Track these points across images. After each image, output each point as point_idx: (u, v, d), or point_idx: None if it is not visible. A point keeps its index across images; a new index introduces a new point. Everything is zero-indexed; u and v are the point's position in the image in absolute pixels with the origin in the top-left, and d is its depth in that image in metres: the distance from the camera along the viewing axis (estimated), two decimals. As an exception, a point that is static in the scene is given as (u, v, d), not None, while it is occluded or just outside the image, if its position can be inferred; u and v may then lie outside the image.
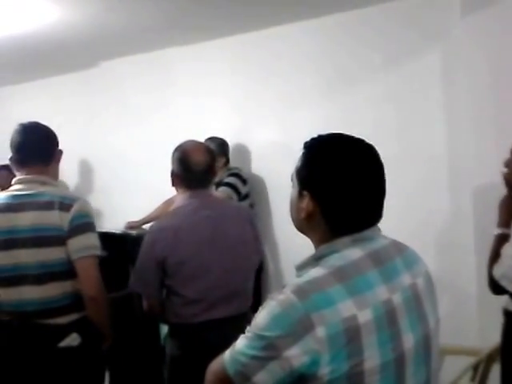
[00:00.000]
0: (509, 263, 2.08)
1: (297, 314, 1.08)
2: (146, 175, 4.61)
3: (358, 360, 1.09)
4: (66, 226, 2.16)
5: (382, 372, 1.12)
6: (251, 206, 3.93)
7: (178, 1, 3.22)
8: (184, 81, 4.43)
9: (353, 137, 1.25)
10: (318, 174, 1.20)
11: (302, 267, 1.22)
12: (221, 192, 3.73)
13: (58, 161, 2.37)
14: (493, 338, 2.35)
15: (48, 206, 2.18)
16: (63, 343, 2.19)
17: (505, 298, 2.17)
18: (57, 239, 2.17)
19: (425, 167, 3.33)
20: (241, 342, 1.15)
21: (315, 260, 1.21)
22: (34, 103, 5.22)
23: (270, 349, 1.09)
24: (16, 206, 2.21)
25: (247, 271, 2.41)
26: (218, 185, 3.79)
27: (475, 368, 2.57)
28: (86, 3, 3.17)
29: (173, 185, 2.38)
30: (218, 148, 3.80)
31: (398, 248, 1.28)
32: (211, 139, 3.85)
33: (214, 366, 1.22)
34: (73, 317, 2.22)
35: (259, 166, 4.13)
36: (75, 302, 2.22)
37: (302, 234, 1.29)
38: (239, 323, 1.47)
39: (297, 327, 1.07)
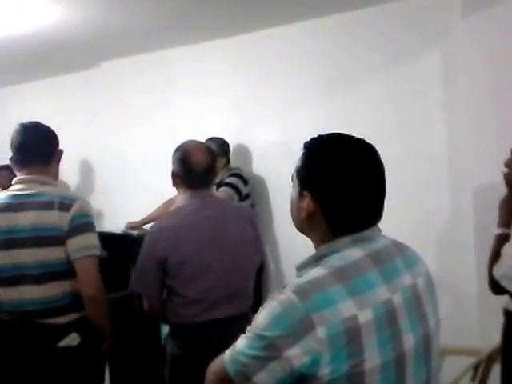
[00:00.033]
0: (509, 263, 2.07)
1: (297, 314, 1.08)
2: (146, 175, 4.61)
3: (359, 360, 1.09)
4: (66, 226, 2.16)
5: (383, 372, 1.12)
6: (252, 206, 3.94)
7: (179, 1, 3.22)
8: (184, 81, 4.43)
9: (353, 137, 1.25)
10: (319, 173, 1.20)
11: (302, 267, 1.22)
12: (222, 192, 3.73)
13: (59, 161, 2.37)
14: (493, 338, 2.35)
15: (48, 205, 2.18)
16: (63, 343, 2.19)
17: (505, 298, 2.17)
18: (56, 239, 2.17)
19: (425, 167, 3.33)
20: (241, 342, 1.15)
21: (316, 260, 1.21)
22: (35, 103, 5.23)
23: (270, 349, 1.09)
24: (16, 205, 2.21)
25: (248, 271, 2.41)
26: (219, 185, 3.79)
27: (475, 368, 2.57)
28: (87, 3, 3.17)
29: (173, 185, 2.38)
30: (218, 148, 3.80)
31: (399, 248, 1.28)
32: (212, 139, 3.85)
33: (215, 365, 1.22)
34: (72, 316, 2.22)
35: (260, 166, 4.13)
36: (75, 301, 2.22)
37: (302, 235, 1.29)
38: (240, 323, 1.47)
39: (297, 327, 1.07)
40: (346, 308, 1.10)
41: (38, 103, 5.22)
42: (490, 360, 2.55)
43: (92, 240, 2.22)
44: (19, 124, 2.31)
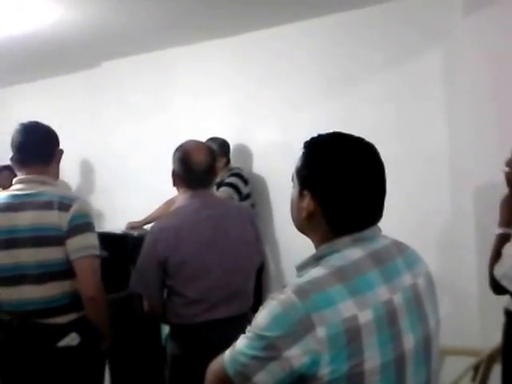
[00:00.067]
0: (510, 263, 2.07)
1: (297, 314, 1.08)
2: (146, 175, 4.61)
3: (359, 360, 1.09)
4: (65, 226, 2.16)
5: (382, 372, 1.11)
6: (252, 206, 3.93)
7: (179, 1, 3.22)
8: (184, 81, 4.43)
9: (352, 136, 1.25)
10: (318, 173, 1.20)
11: (302, 267, 1.22)
12: (222, 192, 3.73)
13: (59, 160, 2.37)
14: (494, 338, 2.35)
15: (47, 205, 2.18)
16: (62, 343, 2.19)
17: (506, 297, 2.17)
18: (56, 239, 2.17)
19: (425, 167, 3.32)
20: (241, 342, 1.15)
21: (316, 260, 1.20)
22: (35, 103, 5.23)
23: (270, 349, 1.08)
24: (16, 205, 2.21)
25: (248, 271, 2.41)
26: (220, 185, 3.79)
27: (476, 368, 2.57)
28: (87, 3, 3.17)
29: (174, 185, 2.38)
30: (219, 148, 3.80)
31: (399, 248, 1.28)
32: (212, 139, 3.85)
33: (214, 365, 1.22)
34: (72, 316, 2.22)
35: (260, 166, 4.13)
36: (74, 301, 2.22)
37: (302, 235, 1.29)
38: (240, 323, 1.47)
39: (297, 327, 1.07)
40: (346, 308, 1.10)
41: (38, 103, 5.22)
42: (490, 360, 2.54)
43: (91, 240, 2.22)
44: (19, 124, 2.31)
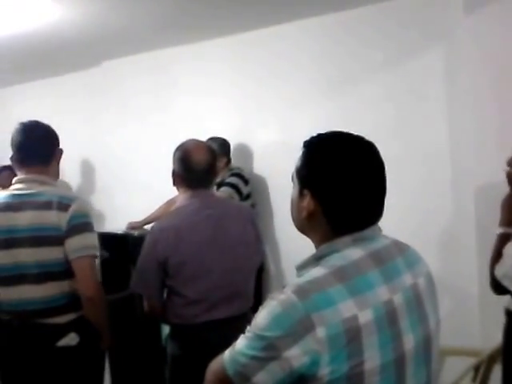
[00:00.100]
0: (511, 263, 2.07)
1: (297, 314, 1.08)
2: (146, 175, 4.61)
3: (358, 361, 1.08)
4: (64, 226, 2.16)
5: (382, 373, 1.11)
6: (253, 205, 3.93)
7: (179, 0, 3.21)
8: (184, 81, 4.43)
9: (352, 134, 1.24)
10: (318, 172, 1.20)
11: (302, 267, 1.22)
12: (222, 192, 3.73)
13: (59, 160, 2.37)
14: (494, 338, 2.35)
15: (46, 205, 2.18)
16: (61, 342, 2.19)
17: (507, 297, 2.16)
18: (55, 239, 2.17)
19: (426, 166, 3.32)
20: (241, 342, 1.14)
21: (316, 260, 1.20)
22: (35, 103, 5.23)
23: (269, 349, 1.08)
24: (15, 205, 2.21)
25: (248, 271, 2.40)
26: (220, 185, 3.79)
27: (476, 369, 2.57)
28: (87, 3, 3.17)
29: (174, 184, 2.37)
30: (219, 148, 3.79)
31: (399, 248, 1.28)
32: (213, 139, 3.84)
33: (214, 365, 1.22)
34: (71, 316, 2.22)
35: (260, 165, 4.13)
36: (73, 301, 2.22)
37: (303, 235, 1.29)
38: (240, 323, 1.46)
39: (297, 327, 1.07)
40: (347, 308, 1.09)
41: (38, 103, 5.21)
42: (490, 360, 2.54)
43: (90, 240, 2.21)
44: (19, 123, 2.31)
